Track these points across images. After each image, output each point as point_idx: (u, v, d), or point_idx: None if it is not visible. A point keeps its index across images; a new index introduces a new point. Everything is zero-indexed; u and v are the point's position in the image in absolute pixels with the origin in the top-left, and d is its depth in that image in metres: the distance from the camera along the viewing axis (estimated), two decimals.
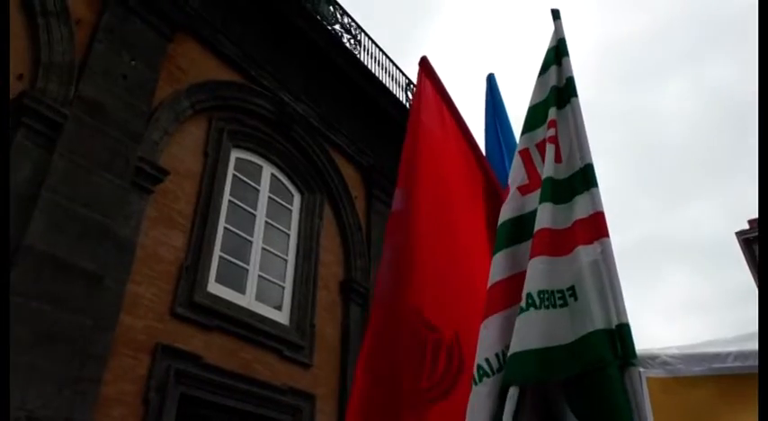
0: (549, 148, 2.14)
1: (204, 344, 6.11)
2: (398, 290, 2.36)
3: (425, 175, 2.57)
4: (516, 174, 2.32)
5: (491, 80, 3.79)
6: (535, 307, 1.75)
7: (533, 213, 2.09)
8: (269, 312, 7.09)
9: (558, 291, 1.78)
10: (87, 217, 5.10)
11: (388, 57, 10.67)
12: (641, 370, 1.66)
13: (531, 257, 1.86)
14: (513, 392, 1.66)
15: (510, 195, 2.26)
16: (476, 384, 1.87)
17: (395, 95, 10.22)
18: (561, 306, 1.76)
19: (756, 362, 1.68)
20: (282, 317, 7.27)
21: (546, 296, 1.77)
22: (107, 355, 5.07)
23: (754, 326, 2.03)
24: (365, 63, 9.82)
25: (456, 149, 2.74)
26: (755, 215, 17.70)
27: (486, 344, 1.92)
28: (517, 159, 2.35)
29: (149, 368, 5.50)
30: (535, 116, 2.39)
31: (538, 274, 1.80)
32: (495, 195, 2.64)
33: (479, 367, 1.88)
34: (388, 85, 10.23)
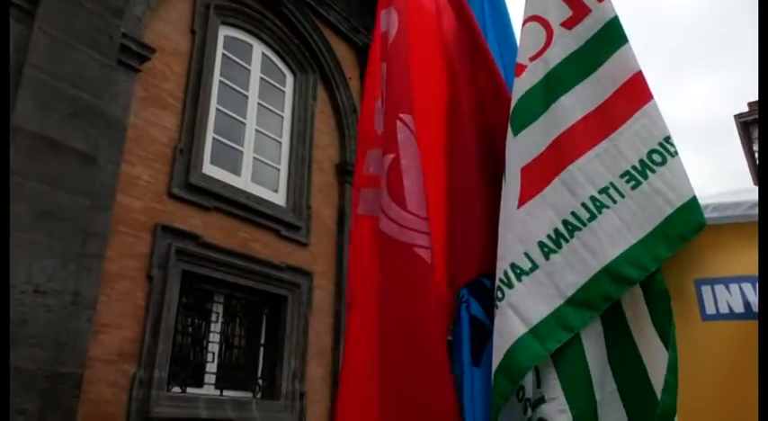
0: None
1: (203, 223, 6.24)
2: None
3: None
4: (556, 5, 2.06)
5: None
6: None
7: (566, 61, 1.96)
8: (265, 193, 7.17)
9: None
10: (75, 96, 4.99)
11: None
12: None
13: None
14: None
15: (554, 37, 2.02)
16: (500, 299, 1.74)
17: None
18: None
19: (733, 213, 1.73)
20: (279, 198, 7.37)
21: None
22: (107, 233, 5.19)
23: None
24: None
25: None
26: (755, 97, 17.45)
27: (521, 236, 1.78)
28: None
29: (150, 246, 5.65)
30: None
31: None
32: (474, 45, 2.41)
33: (508, 272, 1.75)
34: None
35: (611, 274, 1.62)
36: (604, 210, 1.70)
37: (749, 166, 18.91)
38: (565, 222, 1.72)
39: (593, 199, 1.72)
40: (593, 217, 1.70)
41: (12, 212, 4.29)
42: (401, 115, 2.12)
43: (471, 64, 2.32)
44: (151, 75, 6.05)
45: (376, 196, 2.14)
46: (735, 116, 18.59)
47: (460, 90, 2.28)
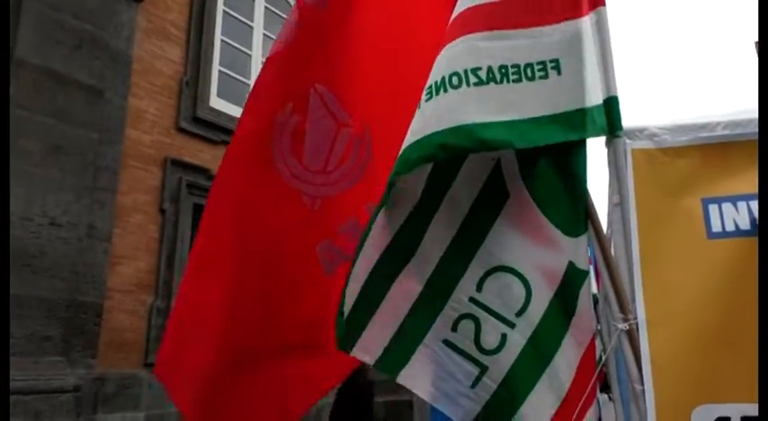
0: None
1: (212, 157, 6.24)
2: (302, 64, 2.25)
3: None
4: None
5: None
6: (495, 82, 1.63)
7: None
8: None
9: (539, 63, 1.66)
10: (77, 27, 4.90)
11: None
12: (627, 141, 1.69)
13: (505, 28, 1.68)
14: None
15: None
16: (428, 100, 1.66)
17: None
18: (541, 78, 1.64)
19: (744, 131, 1.70)
20: None
21: (517, 70, 1.65)
22: (118, 168, 5.22)
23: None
24: None
25: None
26: None
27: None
28: None
29: (161, 180, 5.69)
30: None
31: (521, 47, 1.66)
32: None
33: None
34: None
35: (469, 131, 1.57)
36: (492, 83, 1.64)
37: None
38: (450, 74, 1.65)
39: (479, 68, 1.65)
40: (471, 83, 1.64)
41: (21, 146, 4.31)
42: (316, 85, 2.24)
43: None
44: (153, 5, 5.90)
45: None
46: (755, 42, 17.99)
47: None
